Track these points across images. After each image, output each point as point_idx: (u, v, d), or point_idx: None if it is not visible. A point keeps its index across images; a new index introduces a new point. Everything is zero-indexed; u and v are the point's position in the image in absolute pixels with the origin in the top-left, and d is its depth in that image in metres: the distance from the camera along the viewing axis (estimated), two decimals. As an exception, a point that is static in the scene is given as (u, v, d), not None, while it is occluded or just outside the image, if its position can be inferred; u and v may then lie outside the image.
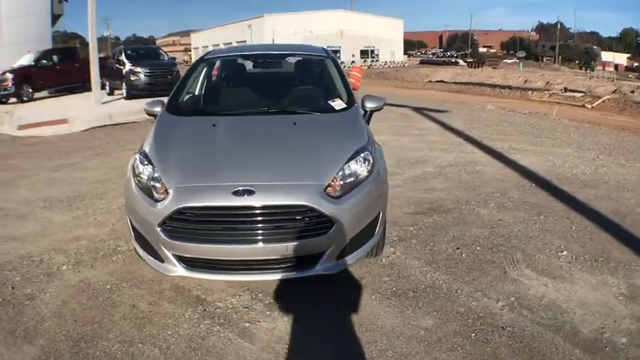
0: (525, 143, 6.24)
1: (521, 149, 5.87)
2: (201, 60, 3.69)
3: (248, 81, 3.71)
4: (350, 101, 3.11)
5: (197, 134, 2.65)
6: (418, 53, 67.71)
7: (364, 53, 44.23)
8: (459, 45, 68.43)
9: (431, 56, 59.65)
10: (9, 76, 12.63)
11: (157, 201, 2.16)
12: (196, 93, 3.76)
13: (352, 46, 40.12)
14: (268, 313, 2.29)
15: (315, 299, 2.41)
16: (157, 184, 2.22)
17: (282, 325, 2.19)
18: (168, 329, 2.12)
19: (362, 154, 2.47)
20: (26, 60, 13.69)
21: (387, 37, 45.21)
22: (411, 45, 67.05)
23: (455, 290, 2.51)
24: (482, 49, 64.66)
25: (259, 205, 2.08)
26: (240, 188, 2.09)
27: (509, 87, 17.15)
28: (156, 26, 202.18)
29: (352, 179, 2.34)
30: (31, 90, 13.13)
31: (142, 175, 2.31)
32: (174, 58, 16.67)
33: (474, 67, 32.08)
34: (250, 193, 2.09)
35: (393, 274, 2.71)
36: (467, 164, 5.19)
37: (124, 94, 11.86)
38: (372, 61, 43.76)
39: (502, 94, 14.78)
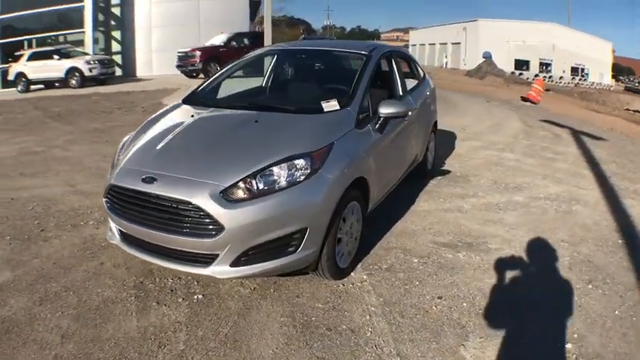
0: (657, 188, 4.70)
1: (645, 195, 4.48)
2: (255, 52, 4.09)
3: (271, 77, 3.90)
4: (347, 103, 2.96)
5: (172, 123, 2.97)
6: (626, 79, 58.63)
7: (574, 70, 41.94)
8: (664, 77, 55.78)
9: (637, 85, 51.25)
10: (197, 53, 14.78)
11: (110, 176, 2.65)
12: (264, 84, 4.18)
13: (563, 62, 38.78)
14: (180, 301, 2.53)
15: (232, 301, 2.51)
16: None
17: (176, 315, 2.39)
18: (100, 288, 2.60)
19: (297, 161, 2.40)
20: (218, 40, 15.86)
21: (595, 57, 41.71)
22: (620, 70, 59.58)
23: (371, 346, 2.21)
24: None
25: (153, 194, 2.30)
26: (147, 175, 2.36)
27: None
28: (382, 20, 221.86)
29: (274, 185, 2.32)
30: (218, 68, 15.74)
31: (117, 153, 2.84)
32: None
33: (670, 102, 25.78)
34: (153, 180, 2.33)
35: (330, 304, 2.55)
36: (567, 201, 4.32)
37: None
38: (580, 79, 40.67)
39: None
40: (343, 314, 2.45)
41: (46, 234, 3.31)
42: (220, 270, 2.29)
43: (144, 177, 2.37)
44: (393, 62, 4.03)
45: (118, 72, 18.38)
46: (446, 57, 41.73)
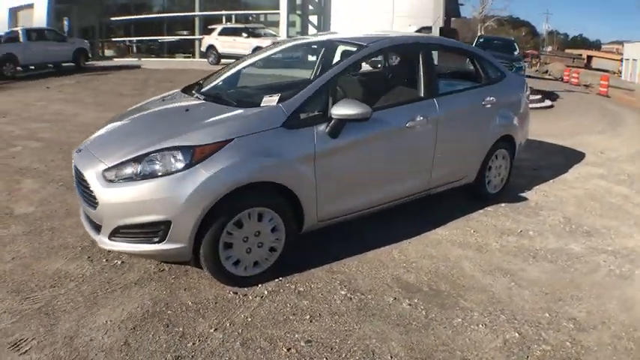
0: None
1: None
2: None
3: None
4: (283, 99, 2.95)
5: (147, 106, 3.53)
6: None
7: None
8: None
9: None
10: None
11: None
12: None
13: None
14: (104, 261, 3.11)
15: (134, 273, 2.96)
16: None
17: (87, 270, 2.99)
18: (70, 235, 3.42)
19: (175, 152, 2.62)
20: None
21: None
22: None
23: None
24: None
25: (73, 162, 2.93)
26: (80, 148, 3.01)
27: None
28: (605, 31, 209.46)
29: (151, 173, 2.60)
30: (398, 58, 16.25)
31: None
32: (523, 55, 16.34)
33: None
34: (79, 152, 2.96)
35: (200, 305, 2.69)
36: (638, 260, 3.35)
37: None
38: None
39: None
40: (196, 320, 2.56)
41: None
42: (101, 239, 2.75)
43: (78, 149, 3.02)
44: (421, 58, 3.54)
45: (313, 55, 20.73)
46: (655, 75, 35.18)
